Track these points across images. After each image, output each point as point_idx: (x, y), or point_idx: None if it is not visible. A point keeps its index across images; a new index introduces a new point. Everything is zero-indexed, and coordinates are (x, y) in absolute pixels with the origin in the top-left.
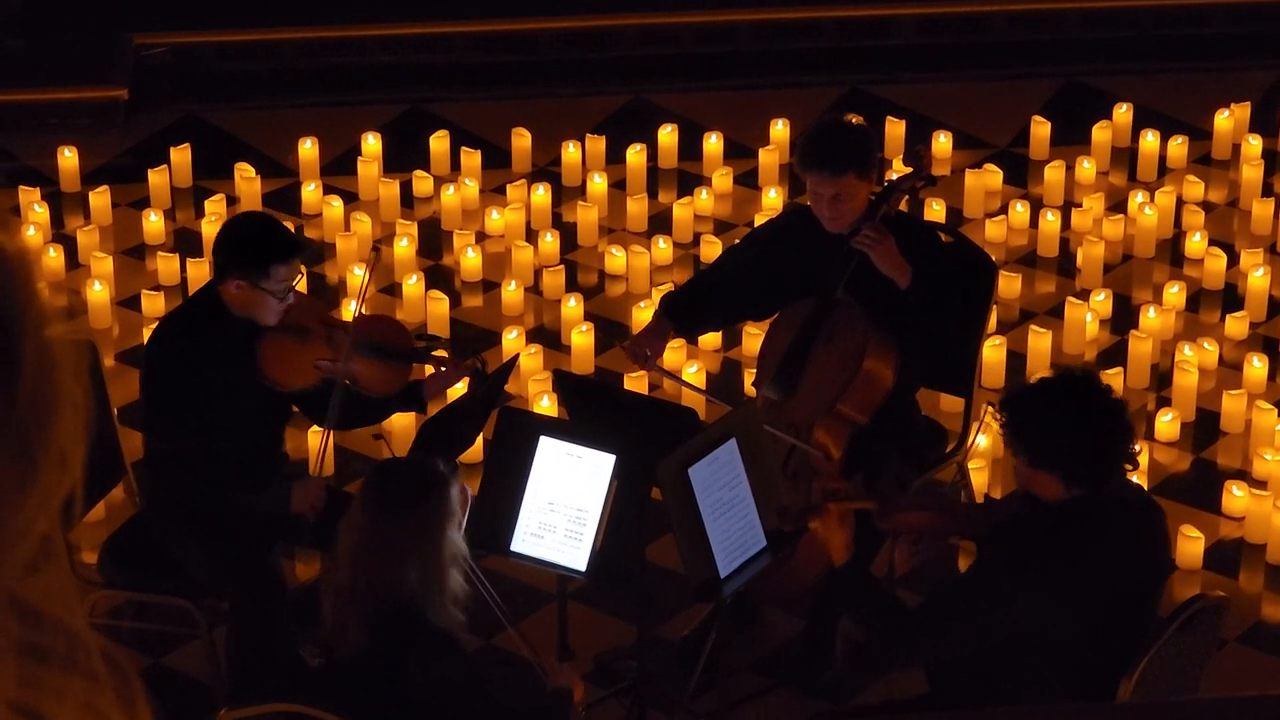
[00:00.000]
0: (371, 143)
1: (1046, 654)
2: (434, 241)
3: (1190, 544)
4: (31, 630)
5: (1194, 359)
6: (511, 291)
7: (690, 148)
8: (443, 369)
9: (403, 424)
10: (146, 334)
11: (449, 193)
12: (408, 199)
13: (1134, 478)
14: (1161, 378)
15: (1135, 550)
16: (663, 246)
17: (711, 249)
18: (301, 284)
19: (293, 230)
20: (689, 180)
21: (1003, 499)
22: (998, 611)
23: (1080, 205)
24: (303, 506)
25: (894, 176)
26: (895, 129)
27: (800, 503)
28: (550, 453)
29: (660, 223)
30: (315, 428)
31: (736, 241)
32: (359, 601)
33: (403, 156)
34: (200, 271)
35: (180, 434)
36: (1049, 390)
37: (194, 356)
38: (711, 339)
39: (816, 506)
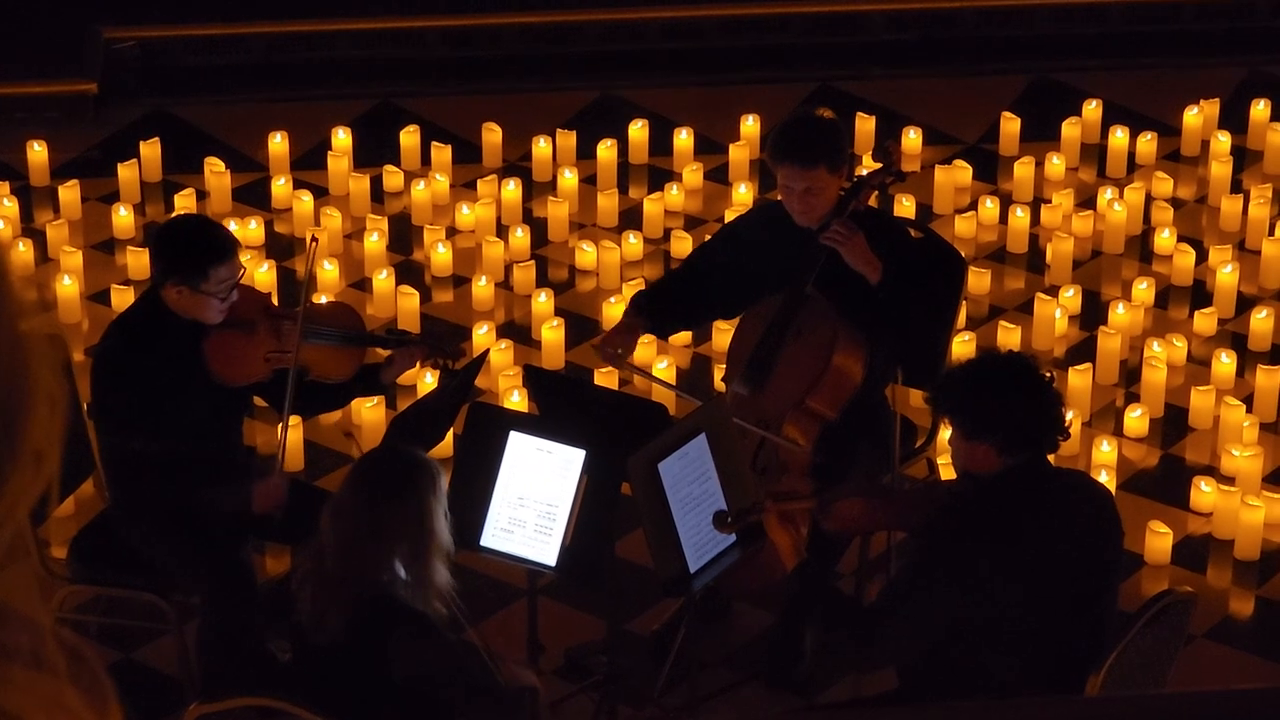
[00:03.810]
0: (342, 137)
1: (1010, 644)
2: (404, 237)
3: (1158, 539)
4: None
5: (1163, 355)
6: (482, 287)
7: (661, 143)
8: (396, 351)
9: (372, 419)
10: None
11: (419, 188)
12: (378, 194)
13: (1102, 473)
14: (1130, 374)
15: (1079, 523)
16: (633, 242)
17: (682, 244)
18: (270, 277)
19: (228, 229)
20: (659, 175)
21: (943, 482)
22: (949, 592)
23: (1050, 201)
24: (265, 506)
25: (864, 172)
26: (865, 125)
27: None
28: (520, 448)
29: (631, 218)
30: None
31: (707, 239)
32: (342, 588)
33: (373, 151)
34: None
35: (131, 439)
36: (977, 364)
37: (141, 362)
38: (681, 335)
39: (755, 507)
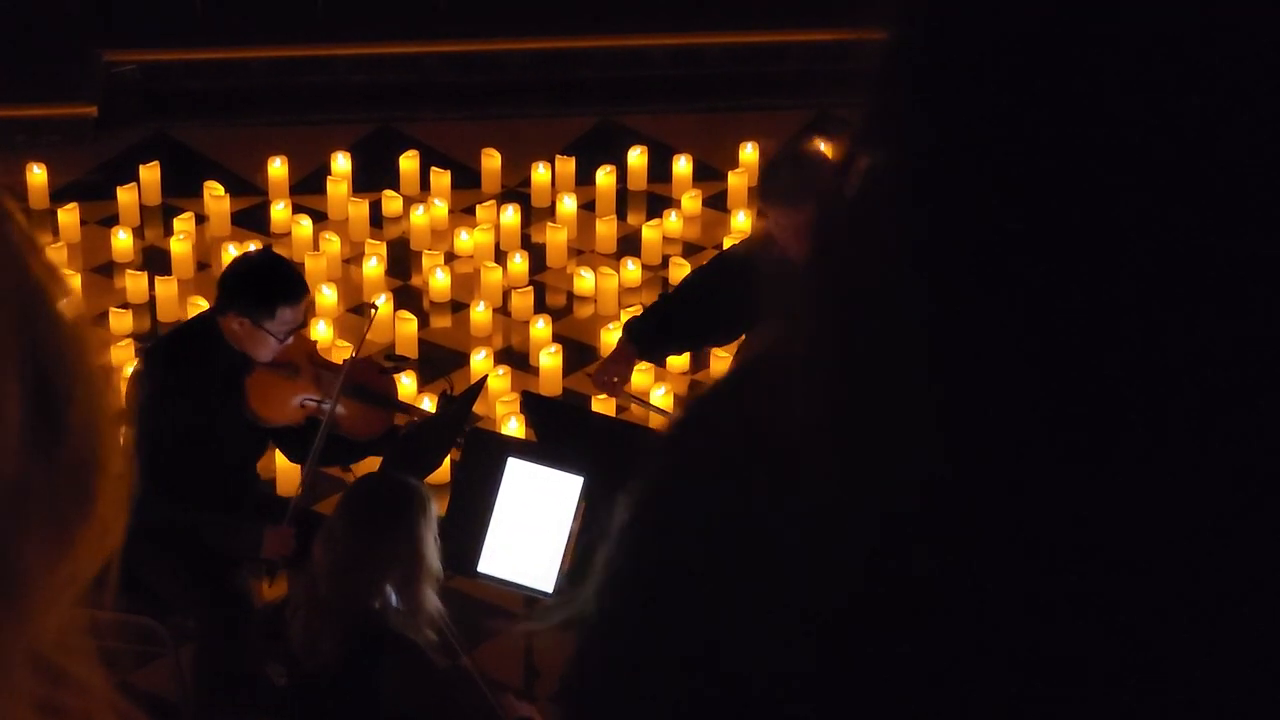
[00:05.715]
0: (341, 162)
1: None
2: (403, 262)
3: None
4: (51, 688)
5: None
6: (480, 312)
7: (660, 170)
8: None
9: None
10: (114, 352)
11: (418, 213)
12: (377, 219)
13: None
14: None
15: None
16: (631, 268)
17: (680, 271)
18: None
19: (302, 275)
20: (658, 202)
21: None
22: None
23: None
24: (273, 553)
25: None
26: None
27: None
28: (518, 474)
29: (629, 245)
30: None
31: (704, 263)
32: (334, 614)
33: (372, 176)
34: (169, 290)
35: (164, 469)
36: None
37: (182, 381)
38: (679, 362)
39: None
